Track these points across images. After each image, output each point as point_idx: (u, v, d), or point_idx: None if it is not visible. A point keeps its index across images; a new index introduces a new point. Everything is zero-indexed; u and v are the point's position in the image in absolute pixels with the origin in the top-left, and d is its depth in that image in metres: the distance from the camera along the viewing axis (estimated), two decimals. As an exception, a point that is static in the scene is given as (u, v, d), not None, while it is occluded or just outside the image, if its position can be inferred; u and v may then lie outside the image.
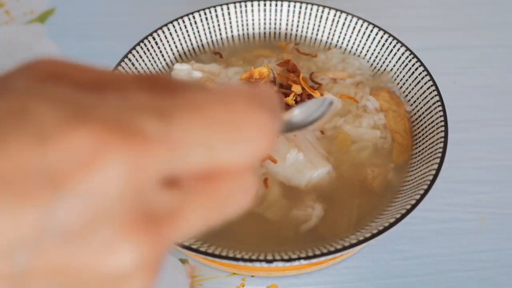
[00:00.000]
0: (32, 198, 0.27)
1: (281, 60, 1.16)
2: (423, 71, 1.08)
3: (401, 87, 1.12)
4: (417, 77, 1.09)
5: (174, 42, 1.19)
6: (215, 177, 0.33)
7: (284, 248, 0.92)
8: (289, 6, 1.22)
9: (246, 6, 1.22)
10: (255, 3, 1.21)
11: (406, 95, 1.11)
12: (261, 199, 0.98)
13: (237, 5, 1.21)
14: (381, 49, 1.16)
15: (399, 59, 1.13)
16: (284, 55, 1.18)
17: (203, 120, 0.32)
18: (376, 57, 1.17)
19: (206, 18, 1.21)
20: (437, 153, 0.96)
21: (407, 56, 1.11)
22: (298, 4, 1.21)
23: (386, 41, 1.15)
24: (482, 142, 1.23)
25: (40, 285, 0.29)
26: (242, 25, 1.24)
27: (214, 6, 1.21)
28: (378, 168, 1.02)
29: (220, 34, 1.23)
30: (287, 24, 1.24)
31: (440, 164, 0.94)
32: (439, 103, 1.02)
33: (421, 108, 1.07)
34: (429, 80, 1.06)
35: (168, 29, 1.18)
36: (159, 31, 1.17)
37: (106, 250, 0.29)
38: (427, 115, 1.04)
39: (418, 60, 1.10)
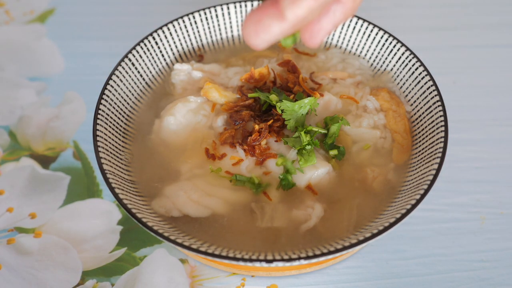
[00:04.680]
0: None
1: (281, 60, 1.15)
2: (423, 71, 1.08)
3: (401, 87, 1.12)
4: (417, 77, 1.09)
5: (174, 42, 1.19)
6: None
7: (284, 248, 0.92)
8: (289, 6, 1.21)
9: (246, 6, 1.21)
10: (255, 3, 1.21)
11: (406, 95, 1.11)
12: (262, 213, 0.98)
13: (237, 5, 1.21)
14: (381, 49, 1.16)
15: (399, 59, 1.13)
16: (284, 55, 1.18)
17: None
18: (376, 57, 1.17)
19: (206, 18, 1.21)
20: (437, 153, 0.96)
21: (407, 56, 1.11)
22: (298, 4, 1.21)
23: (386, 41, 1.15)
24: (482, 142, 1.23)
25: None
26: (242, 25, 1.23)
27: (214, 6, 1.21)
28: (378, 168, 1.02)
29: (220, 34, 1.23)
30: (287, 24, 1.23)
31: (440, 164, 0.94)
32: (439, 103, 1.02)
33: (421, 108, 1.07)
34: (429, 80, 1.06)
35: (168, 29, 1.18)
36: (159, 31, 1.17)
37: None
38: (427, 115, 1.05)
39: (418, 60, 1.10)
